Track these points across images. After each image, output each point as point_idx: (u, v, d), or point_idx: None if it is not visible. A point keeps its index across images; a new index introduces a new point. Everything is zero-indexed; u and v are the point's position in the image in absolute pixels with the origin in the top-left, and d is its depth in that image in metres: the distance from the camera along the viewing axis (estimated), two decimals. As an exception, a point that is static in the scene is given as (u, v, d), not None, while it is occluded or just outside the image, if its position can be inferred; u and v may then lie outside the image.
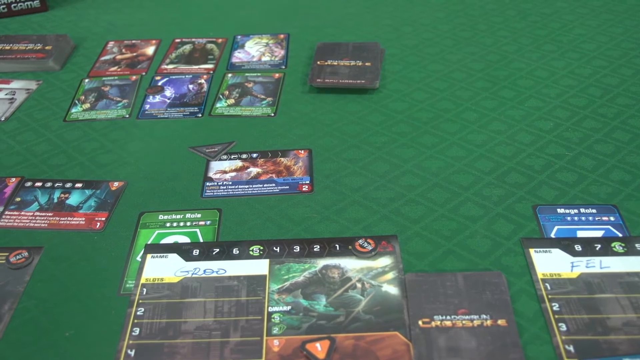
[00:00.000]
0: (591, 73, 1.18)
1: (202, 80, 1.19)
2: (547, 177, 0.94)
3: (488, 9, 1.43)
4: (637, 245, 0.83)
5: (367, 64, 1.18)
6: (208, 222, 0.88)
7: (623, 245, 0.83)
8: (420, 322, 0.73)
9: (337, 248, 0.83)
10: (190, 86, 1.18)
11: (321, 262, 0.82)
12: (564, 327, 0.73)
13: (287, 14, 1.44)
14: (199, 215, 0.89)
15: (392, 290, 0.78)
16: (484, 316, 0.74)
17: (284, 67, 1.23)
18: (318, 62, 1.19)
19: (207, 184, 0.95)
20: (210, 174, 0.97)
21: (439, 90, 1.14)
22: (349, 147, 1.01)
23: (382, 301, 0.76)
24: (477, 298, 0.76)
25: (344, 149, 1.01)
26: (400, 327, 0.73)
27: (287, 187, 0.94)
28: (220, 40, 1.34)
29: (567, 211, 0.88)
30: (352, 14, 1.42)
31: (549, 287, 0.78)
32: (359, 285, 0.79)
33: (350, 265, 0.81)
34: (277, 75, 1.20)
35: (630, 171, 0.95)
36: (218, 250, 0.83)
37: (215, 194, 0.93)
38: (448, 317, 0.74)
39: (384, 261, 0.81)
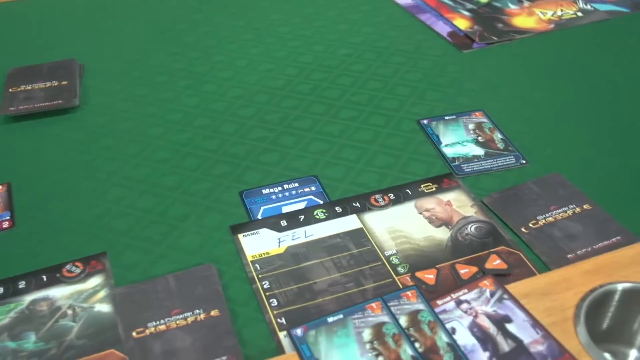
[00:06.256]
0: (287, 54, 1.24)
1: None
2: (252, 162, 0.97)
3: (188, 6, 1.43)
4: (336, 208, 0.88)
5: (63, 82, 1.14)
6: None
7: (324, 211, 0.88)
8: (134, 333, 0.72)
9: (45, 279, 0.80)
10: None
11: (28, 298, 0.78)
12: (275, 302, 0.76)
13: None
14: None
15: (105, 308, 0.76)
16: (197, 311, 0.74)
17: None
18: (10, 90, 1.12)
19: None
20: None
21: (142, 96, 1.13)
22: (52, 172, 0.97)
23: (95, 322, 0.74)
24: (190, 295, 0.76)
25: (47, 175, 0.96)
26: (115, 343, 0.72)
27: (-14, 227, 0.88)
28: None
29: (272, 190, 0.92)
30: (49, 33, 1.35)
31: (258, 268, 0.80)
32: (69, 312, 0.76)
33: (60, 293, 0.78)
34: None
35: (326, 140, 1.00)
36: None
37: None
38: (162, 321, 0.73)
39: (95, 281, 0.79)
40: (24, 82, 1.14)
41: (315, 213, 0.87)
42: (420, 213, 0.87)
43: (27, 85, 1.13)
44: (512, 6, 1.38)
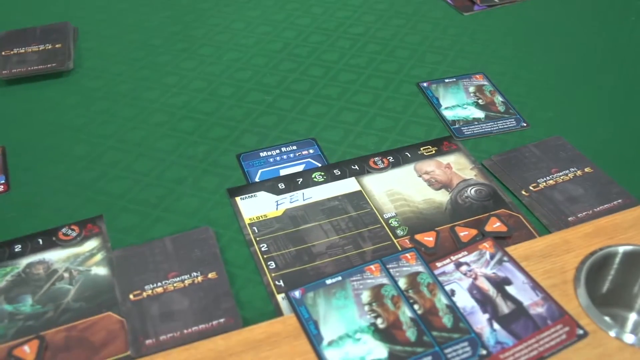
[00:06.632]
0: (285, 16, 1.22)
1: None
2: (249, 125, 0.95)
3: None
4: (335, 171, 0.87)
5: (57, 46, 1.12)
6: None
7: (323, 174, 0.87)
8: (131, 296, 0.72)
9: (41, 242, 0.79)
10: None
11: (24, 262, 0.77)
12: (273, 265, 0.75)
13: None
14: None
15: (102, 271, 0.75)
16: (195, 274, 0.74)
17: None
18: (3, 53, 1.10)
19: None
20: None
21: (137, 59, 1.11)
22: (46, 135, 0.96)
23: (92, 285, 0.74)
24: (187, 258, 0.76)
25: (42, 138, 0.95)
26: (112, 306, 0.71)
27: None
28: None
29: (269, 153, 0.90)
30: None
31: (256, 230, 0.79)
32: (66, 275, 0.75)
33: (56, 256, 0.77)
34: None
35: (325, 103, 0.99)
36: None
37: None
38: (159, 284, 0.73)
39: (91, 244, 0.78)
40: (17, 45, 1.13)
41: (313, 176, 0.86)
42: (420, 176, 0.86)
43: (20, 49, 1.12)
44: (513, -32, 1.35)
